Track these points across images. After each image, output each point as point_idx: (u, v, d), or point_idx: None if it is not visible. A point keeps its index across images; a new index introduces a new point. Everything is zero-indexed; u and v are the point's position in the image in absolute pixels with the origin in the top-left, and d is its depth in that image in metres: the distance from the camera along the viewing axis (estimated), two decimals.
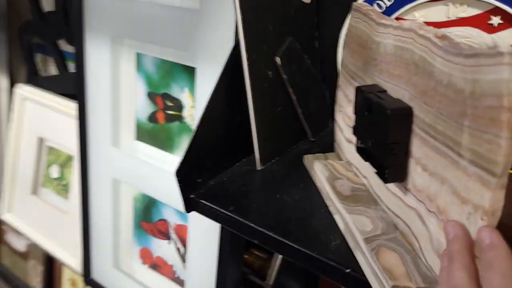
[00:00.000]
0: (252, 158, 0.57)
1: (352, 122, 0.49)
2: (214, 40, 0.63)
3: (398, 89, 0.37)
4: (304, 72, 0.57)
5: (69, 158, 1.03)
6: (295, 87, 0.56)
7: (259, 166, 0.54)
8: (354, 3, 0.45)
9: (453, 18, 0.45)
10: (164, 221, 0.84)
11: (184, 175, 0.49)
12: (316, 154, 0.56)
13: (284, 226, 0.45)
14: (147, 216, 0.86)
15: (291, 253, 0.43)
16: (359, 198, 0.45)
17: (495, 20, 0.43)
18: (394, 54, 0.37)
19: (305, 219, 0.46)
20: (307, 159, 0.55)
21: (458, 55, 0.29)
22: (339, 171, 0.50)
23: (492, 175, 0.27)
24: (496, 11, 0.43)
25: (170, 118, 0.77)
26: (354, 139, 0.47)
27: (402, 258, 0.38)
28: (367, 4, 0.46)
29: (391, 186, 0.40)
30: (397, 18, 0.48)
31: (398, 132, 0.36)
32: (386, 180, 0.38)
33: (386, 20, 0.38)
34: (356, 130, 0.42)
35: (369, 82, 0.43)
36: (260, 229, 0.45)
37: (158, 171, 0.77)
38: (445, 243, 0.32)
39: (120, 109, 0.83)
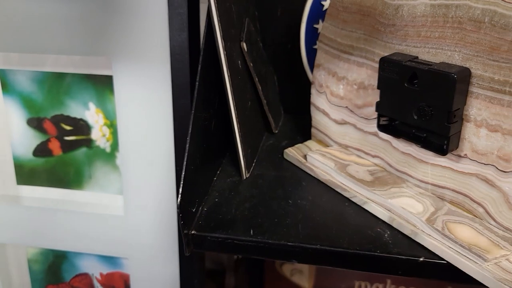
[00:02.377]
0: (226, 166, 0.48)
1: (344, 102, 0.45)
2: (134, 36, 0.50)
3: (439, 52, 0.34)
4: (260, 57, 0.50)
5: None
6: (258, 75, 0.48)
7: (245, 175, 0.46)
8: None
9: None
10: (83, 275, 0.66)
11: (184, 208, 0.37)
12: (297, 146, 0.50)
13: (325, 234, 0.38)
14: (55, 276, 0.67)
15: (350, 261, 0.37)
16: (384, 180, 0.42)
17: None
18: (430, 14, 0.34)
19: (339, 219, 0.40)
20: (290, 153, 0.49)
21: None
22: (342, 158, 0.45)
23: None
24: None
25: (71, 146, 0.60)
26: (354, 119, 0.43)
27: (473, 228, 0.35)
28: None
29: (434, 157, 0.38)
30: None
31: (460, 97, 0.33)
32: (446, 152, 0.35)
33: None
34: (383, 106, 0.38)
35: (380, 52, 0.39)
36: (302, 245, 0.37)
37: (63, 216, 0.60)
38: None
39: None
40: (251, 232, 0.38)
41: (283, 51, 0.54)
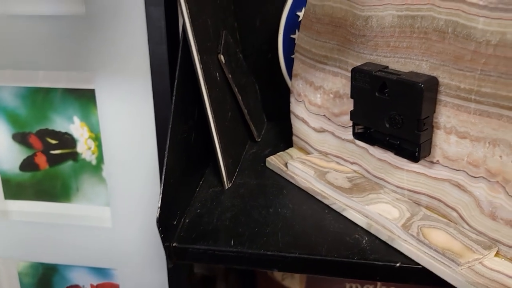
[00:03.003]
0: (208, 176, 0.48)
1: (322, 110, 0.46)
2: (115, 50, 0.51)
3: (408, 61, 0.35)
4: (239, 68, 0.50)
5: None
6: (238, 86, 0.49)
7: (227, 185, 0.46)
8: None
9: None
10: (74, 287, 0.67)
11: (163, 222, 0.38)
12: (279, 154, 0.50)
13: (304, 242, 0.39)
14: None
15: (327, 268, 0.37)
16: (362, 186, 0.42)
17: None
18: (398, 25, 0.35)
19: (318, 227, 0.41)
20: (272, 161, 0.49)
21: None
22: (321, 165, 0.46)
23: None
24: None
25: (57, 160, 0.60)
26: (332, 127, 0.44)
27: (448, 232, 0.36)
28: None
29: (408, 163, 0.38)
30: None
31: (429, 105, 0.34)
32: (418, 159, 0.36)
33: None
34: (357, 115, 0.39)
35: (353, 61, 0.40)
36: (281, 254, 0.38)
37: (52, 229, 0.60)
38: (503, 202, 0.31)
39: None
40: (232, 243, 0.39)
41: (263, 60, 0.55)
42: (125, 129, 0.54)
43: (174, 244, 0.39)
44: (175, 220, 0.41)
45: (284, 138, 0.56)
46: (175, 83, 0.39)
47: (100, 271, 0.64)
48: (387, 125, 0.36)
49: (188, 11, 0.38)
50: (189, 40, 0.39)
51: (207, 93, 0.41)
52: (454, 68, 0.32)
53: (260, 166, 0.51)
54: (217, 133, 0.44)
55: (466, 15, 0.30)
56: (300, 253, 0.38)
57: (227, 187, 0.46)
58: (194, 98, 0.43)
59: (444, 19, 0.32)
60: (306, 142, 0.49)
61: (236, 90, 0.48)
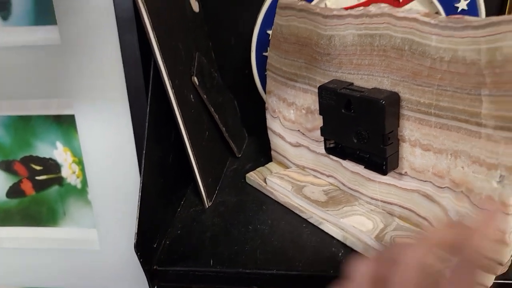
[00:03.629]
0: (190, 196, 0.49)
1: (296, 125, 0.47)
2: (92, 77, 0.52)
3: (371, 78, 0.36)
4: (215, 87, 0.51)
5: None
6: (214, 105, 0.50)
7: (207, 204, 0.47)
8: (281, 1, 0.42)
9: (362, 0, 0.46)
10: None
11: (142, 246, 0.38)
12: (258, 169, 0.51)
13: (281, 258, 0.39)
14: None
15: (305, 283, 0.38)
16: (338, 199, 0.43)
17: None
18: (358, 43, 0.36)
19: (296, 241, 0.41)
20: (252, 177, 0.50)
21: (465, 28, 0.28)
22: (299, 179, 0.47)
23: None
24: None
25: (43, 185, 0.61)
26: (307, 142, 0.45)
27: None
28: (297, 0, 0.43)
29: (379, 175, 0.39)
30: None
31: (392, 120, 0.35)
32: (386, 172, 0.36)
33: (340, 11, 0.36)
34: (326, 131, 0.40)
35: (321, 79, 0.41)
36: (259, 271, 0.38)
37: (42, 254, 0.61)
38: (468, 211, 0.32)
39: None
40: (211, 263, 0.40)
41: (241, 77, 0.56)
42: (106, 152, 0.55)
43: (154, 267, 0.40)
44: (155, 243, 0.41)
45: (264, 152, 0.56)
46: (147, 109, 0.40)
47: None
48: (355, 140, 0.37)
49: (156, 39, 0.39)
50: (159, 66, 0.40)
51: (180, 116, 0.42)
52: (413, 84, 0.33)
53: (241, 182, 0.51)
54: (194, 154, 0.44)
55: (420, 33, 0.31)
56: (277, 269, 0.38)
57: (207, 206, 0.47)
58: (169, 121, 0.44)
59: (401, 37, 0.33)
60: (284, 157, 0.50)
61: (212, 109, 0.49)
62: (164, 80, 0.40)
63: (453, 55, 0.30)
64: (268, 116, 0.50)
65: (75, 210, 0.61)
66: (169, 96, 0.41)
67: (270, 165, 0.52)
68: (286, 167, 0.50)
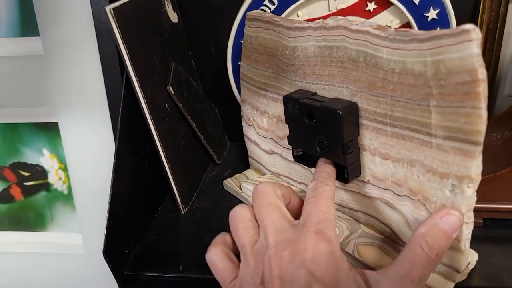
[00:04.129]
0: (169, 202, 0.50)
1: (269, 133, 0.47)
2: (73, 85, 0.53)
3: (332, 88, 0.37)
4: (194, 95, 0.52)
5: None
6: (191, 113, 0.51)
7: (183, 210, 0.48)
8: (249, 13, 0.43)
9: (334, 10, 0.47)
10: None
11: (112, 252, 0.39)
12: (235, 176, 0.52)
13: None
14: None
15: None
16: None
17: (371, 6, 0.47)
18: (319, 55, 0.37)
19: None
20: (229, 184, 0.51)
21: (412, 41, 0.29)
22: None
23: (475, 144, 0.28)
24: None
25: (31, 191, 0.63)
26: (280, 149, 0.46)
27: (381, 248, 0.38)
28: (264, 11, 0.44)
29: (345, 183, 0.40)
30: None
31: (351, 130, 0.35)
32: (347, 180, 0.37)
33: (301, 23, 0.37)
34: (292, 140, 0.41)
35: (288, 88, 0.42)
36: None
37: (31, 258, 0.62)
38: (422, 218, 0.33)
39: None
40: (180, 268, 0.41)
41: (221, 85, 0.57)
42: (89, 159, 0.56)
43: (126, 272, 0.41)
44: (128, 248, 0.42)
45: (244, 159, 0.57)
46: (119, 118, 0.41)
47: None
48: (318, 149, 0.38)
49: (126, 50, 0.40)
50: (130, 77, 0.41)
51: (153, 125, 0.43)
52: (369, 94, 0.34)
53: (218, 189, 0.52)
54: (168, 162, 0.45)
55: (372, 45, 0.32)
56: None
57: (183, 212, 0.48)
58: (144, 130, 0.45)
59: (355, 49, 0.33)
60: (260, 164, 0.51)
61: (189, 117, 0.50)
62: (136, 90, 0.42)
63: (403, 67, 0.31)
64: (244, 124, 0.51)
65: (61, 215, 0.63)
66: (141, 106, 0.42)
67: (248, 171, 0.53)
68: (262, 174, 0.51)
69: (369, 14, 0.47)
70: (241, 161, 0.57)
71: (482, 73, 0.26)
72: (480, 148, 0.29)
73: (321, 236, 0.28)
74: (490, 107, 0.52)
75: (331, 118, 0.35)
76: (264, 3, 0.46)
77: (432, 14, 0.46)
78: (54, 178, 0.61)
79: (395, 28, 0.31)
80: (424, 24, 0.46)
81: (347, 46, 0.34)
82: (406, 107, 0.32)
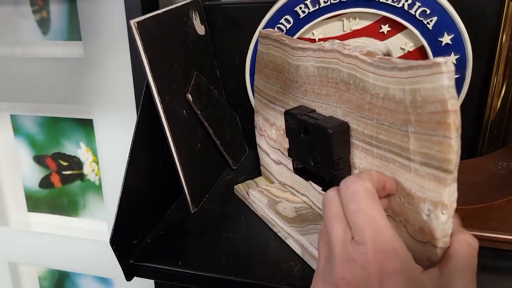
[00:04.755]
0: (182, 201, 0.54)
1: (277, 144, 0.50)
2: (108, 87, 0.58)
3: (328, 107, 0.39)
4: (214, 103, 0.56)
5: None
6: (210, 119, 0.54)
7: (192, 209, 0.51)
8: (261, 30, 0.46)
9: (348, 31, 0.49)
10: None
11: (119, 241, 0.43)
12: (246, 182, 0.55)
13: (243, 266, 0.43)
14: None
15: None
16: (305, 217, 0.46)
17: (385, 28, 0.48)
18: (318, 75, 0.39)
19: (260, 252, 0.45)
20: (239, 189, 0.54)
21: (393, 69, 0.31)
22: (276, 195, 0.50)
23: (447, 172, 0.29)
24: (384, 20, 0.47)
25: (68, 179, 0.69)
26: (285, 160, 0.48)
27: None
28: (275, 30, 0.47)
29: None
30: (299, 38, 0.50)
31: (341, 148, 0.37)
32: None
33: (303, 44, 0.39)
34: (292, 153, 0.43)
35: (292, 104, 0.44)
36: (219, 276, 0.42)
37: (65, 240, 0.69)
38: (405, 240, 0.34)
39: (1, 181, 0.72)
40: (179, 263, 0.44)
41: (242, 94, 0.60)
42: (118, 154, 0.61)
43: (131, 261, 0.45)
44: (136, 240, 0.47)
45: (259, 166, 0.60)
46: (136, 121, 0.45)
47: (103, 280, 0.72)
48: (312, 163, 0.40)
49: (147, 60, 0.44)
50: (150, 84, 0.45)
51: (169, 128, 0.47)
52: (358, 116, 0.35)
53: (230, 193, 0.55)
54: (181, 163, 0.49)
55: (361, 70, 0.34)
56: (235, 276, 0.42)
57: (192, 212, 0.52)
58: (161, 133, 0.49)
59: (347, 72, 0.35)
60: (269, 172, 0.53)
61: (207, 124, 0.53)
62: (154, 96, 0.46)
63: (386, 92, 0.32)
64: (256, 133, 0.53)
65: (92, 203, 0.69)
66: (158, 110, 0.46)
67: (259, 179, 0.55)
68: (271, 182, 0.54)
69: (382, 36, 0.48)
70: (256, 168, 0.60)
71: (452, 104, 0.27)
72: (452, 176, 0.29)
73: (386, 256, 0.26)
74: (507, 136, 0.52)
75: (323, 135, 0.37)
76: (280, 22, 0.49)
77: (446, 39, 0.46)
78: (88, 169, 0.67)
79: (380, 57, 0.32)
80: (438, 49, 0.47)
81: (340, 68, 0.36)
82: (389, 131, 0.33)
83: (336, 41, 0.36)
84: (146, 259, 0.45)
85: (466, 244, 0.30)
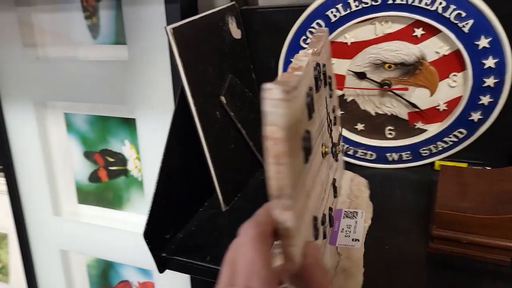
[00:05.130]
0: (214, 199, 0.56)
1: None
2: (149, 88, 0.62)
3: None
4: (248, 105, 0.57)
5: (2, 237, 0.94)
6: (243, 121, 0.56)
7: (223, 208, 0.53)
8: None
9: (380, 34, 0.48)
10: (125, 282, 0.79)
11: (152, 235, 0.46)
12: None
13: None
14: (105, 281, 0.81)
15: None
16: None
17: (418, 32, 0.47)
18: None
19: None
20: None
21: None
22: None
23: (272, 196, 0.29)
24: (418, 24, 0.46)
25: (114, 174, 0.73)
26: None
27: None
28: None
29: None
30: (331, 42, 0.50)
31: None
32: None
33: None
34: None
35: None
36: None
37: (110, 232, 0.73)
38: None
39: (56, 174, 0.77)
40: (207, 259, 0.46)
41: None
42: (158, 152, 0.64)
43: (163, 255, 0.48)
44: (169, 234, 0.49)
45: None
46: (170, 122, 0.48)
47: (145, 271, 0.76)
48: None
49: (182, 64, 0.46)
50: (184, 87, 0.47)
51: (202, 129, 0.49)
52: None
53: (262, 193, 0.57)
54: (213, 163, 0.51)
55: None
56: None
57: (223, 210, 0.53)
58: (195, 133, 0.51)
59: None
60: None
61: (240, 125, 0.55)
62: (188, 98, 0.48)
63: None
64: None
65: (135, 198, 0.73)
66: (192, 112, 0.48)
67: None
68: None
69: (416, 40, 0.47)
70: None
71: (270, 130, 0.27)
72: (277, 202, 0.30)
73: None
74: None
75: None
76: (311, 25, 0.49)
77: (483, 42, 0.44)
78: (132, 166, 0.71)
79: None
80: (475, 53, 0.45)
81: None
82: None
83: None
84: (177, 253, 0.47)
85: None
